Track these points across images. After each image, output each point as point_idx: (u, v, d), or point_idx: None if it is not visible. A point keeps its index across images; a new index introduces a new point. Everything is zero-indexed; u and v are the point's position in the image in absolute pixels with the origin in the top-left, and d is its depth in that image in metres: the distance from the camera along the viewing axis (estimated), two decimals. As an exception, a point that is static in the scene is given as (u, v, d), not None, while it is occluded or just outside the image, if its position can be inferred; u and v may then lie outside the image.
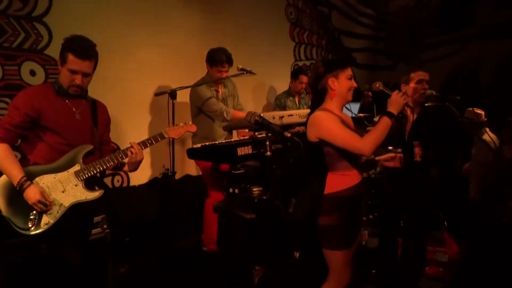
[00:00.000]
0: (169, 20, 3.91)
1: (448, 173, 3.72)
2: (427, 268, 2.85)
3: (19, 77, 2.94)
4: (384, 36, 6.46)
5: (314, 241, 2.02)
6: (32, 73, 3.00)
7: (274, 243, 2.75)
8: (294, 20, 5.47)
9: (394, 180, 2.64)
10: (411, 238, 2.76)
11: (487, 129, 3.64)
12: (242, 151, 2.76)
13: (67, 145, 2.01)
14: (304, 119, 2.14)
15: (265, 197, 2.66)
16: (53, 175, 1.97)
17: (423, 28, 6.05)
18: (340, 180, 1.96)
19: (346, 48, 6.26)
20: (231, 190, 2.86)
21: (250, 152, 2.80)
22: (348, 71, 2.01)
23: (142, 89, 3.68)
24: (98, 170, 2.03)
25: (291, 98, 4.41)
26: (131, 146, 2.11)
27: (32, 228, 1.91)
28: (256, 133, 3.10)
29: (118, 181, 3.57)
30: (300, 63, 5.47)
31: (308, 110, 2.20)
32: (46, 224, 1.92)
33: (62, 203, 1.96)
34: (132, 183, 3.67)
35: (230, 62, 3.36)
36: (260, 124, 2.11)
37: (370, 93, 4.58)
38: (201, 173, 3.64)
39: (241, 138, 3.28)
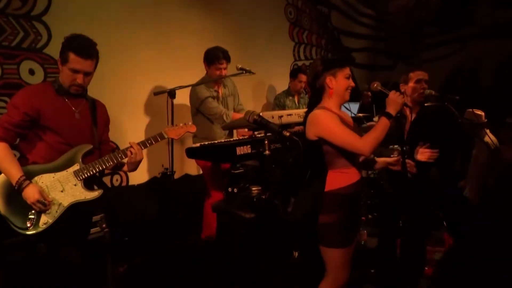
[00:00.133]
0: (168, 19, 3.90)
1: (447, 173, 3.72)
2: (426, 268, 2.85)
3: (18, 76, 2.94)
4: (384, 35, 6.46)
5: (313, 241, 2.02)
6: (31, 72, 3.00)
7: (273, 242, 2.75)
8: (293, 19, 5.46)
9: (394, 180, 2.64)
10: (410, 238, 2.76)
11: (487, 131, 3.64)
12: (241, 150, 2.76)
13: (67, 144, 2.01)
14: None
15: (264, 197, 2.66)
16: (52, 175, 1.97)
17: (423, 28, 6.05)
18: (340, 178, 1.96)
19: (346, 48, 6.26)
20: (230, 189, 2.86)
21: (249, 151, 2.80)
22: (346, 71, 2.00)
23: (141, 88, 3.69)
24: (97, 170, 2.03)
25: (290, 97, 4.41)
26: (131, 146, 2.11)
27: (31, 228, 1.90)
28: (256, 133, 3.10)
29: (117, 180, 3.56)
30: (300, 63, 5.47)
31: None
32: (44, 223, 1.92)
33: (61, 203, 1.95)
34: (131, 183, 3.67)
35: (227, 58, 3.35)
36: (258, 123, 2.11)
37: (369, 93, 4.57)
38: (200, 173, 3.64)
39: (241, 137, 3.27)
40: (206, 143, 2.93)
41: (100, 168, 2.03)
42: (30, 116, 1.92)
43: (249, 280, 2.65)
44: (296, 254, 2.83)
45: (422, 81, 2.67)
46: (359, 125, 3.68)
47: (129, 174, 3.57)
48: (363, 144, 1.88)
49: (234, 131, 3.65)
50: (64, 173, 1.98)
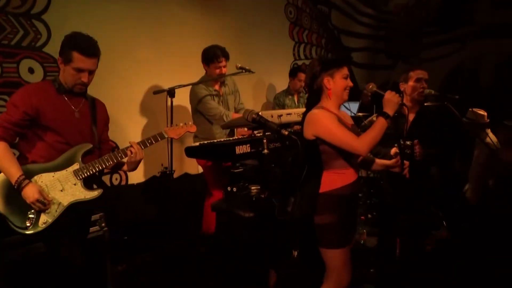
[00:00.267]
0: (168, 18, 3.90)
1: (447, 173, 3.72)
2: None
3: (18, 74, 2.93)
4: (384, 35, 6.45)
5: (311, 241, 2.02)
6: (31, 70, 3.00)
7: (273, 242, 2.75)
8: (293, 19, 5.46)
9: (394, 180, 2.64)
10: (410, 237, 2.76)
11: (489, 131, 3.63)
12: (240, 149, 2.75)
13: (66, 144, 2.00)
14: None
15: (263, 196, 2.66)
16: (51, 174, 1.96)
17: (423, 27, 6.04)
18: (336, 179, 1.96)
19: (346, 47, 6.26)
20: (229, 188, 2.86)
21: (249, 150, 2.79)
22: (344, 71, 1.99)
23: (141, 87, 3.69)
24: (97, 169, 2.02)
25: (290, 96, 4.41)
26: (131, 146, 2.10)
27: (30, 227, 1.90)
28: (255, 132, 3.10)
29: (116, 179, 3.56)
30: (300, 62, 5.47)
31: None
32: (44, 223, 1.91)
33: (60, 202, 1.95)
34: (130, 182, 3.67)
35: (226, 55, 3.34)
36: (257, 122, 2.11)
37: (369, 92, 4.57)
38: (199, 172, 3.64)
39: (240, 137, 3.27)
40: (206, 142, 2.92)
41: (100, 167, 2.03)
42: (30, 115, 1.92)
43: (249, 280, 2.65)
44: (295, 253, 2.82)
45: (422, 80, 2.66)
46: (358, 124, 3.68)
47: (129, 173, 3.57)
48: (360, 144, 1.88)
49: (235, 130, 3.64)
50: (63, 172, 1.98)
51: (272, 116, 2.89)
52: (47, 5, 3.06)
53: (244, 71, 3.29)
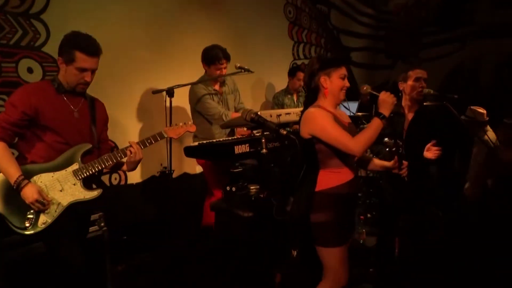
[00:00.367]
0: (167, 17, 3.90)
1: (447, 172, 3.72)
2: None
3: (17, 74, 2.93)
4: (384, 35, 6.45)
5: (309, 240, 2.02)
6: (30, 70, 2.99)
7: (272, 241, 2.75)
8: (293, 18, 5.46)
9: (393, 180, 2.63)
10: (409, 237, 2.76)
11: (489, 128, 3.63)
12: (239, 149, 2.75)
13: (66, 144, 2.00)
14: None
15: (262, 195, 2.66)
16: (51, 174, 1.96)
17: (422, 27, 6.04)
18: (332, 177, 1.96)
19: (345, 47, 6.26)
20: (228, 188, 2.86)
21: (248, 150, 2.79)
22: (342, 71, 1.99)
23: (140, 87, 3.68)
24: (96, 169, 2.02)
25: (289, 96, 4.41)
26: (130, 146, 2.10)
27: (30, 228, 1.89)
28: (254, 131, 3.09)
29: (115, 179, 3.56)
30: (299, 62, 5.47)
31: None
32: (43, 223, 1.91)
33: (60, 202, 1.95)
34: (129, 181, 3.66)
35: (227, 57, 3.33)
36: (255, 121, 2.11)
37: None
38: (198, 172, 3.63)
39: (239, 136, 3.27)
40: (204, 142, 2.92)
41: (100, 167, 2.03)
42: (29, 115, 1.91)
43: (248, 279, 2.65)
44: (294, 253, 2.82)
45: (421, 80, 2.66)
46: (358, 125, 3.68)
47: (128, 173, 3.57)
48: (355, 144, 1.88)
49: (235, 130, 3.64)
50: (63, 172, 1.97)
51: (271, 116, 2.89)
52: (46, 4, 3.05)
53: (243, 70, 3.28)
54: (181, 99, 3.46)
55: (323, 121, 1.91)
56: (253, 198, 2.70)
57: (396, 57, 6.29)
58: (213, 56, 3.28)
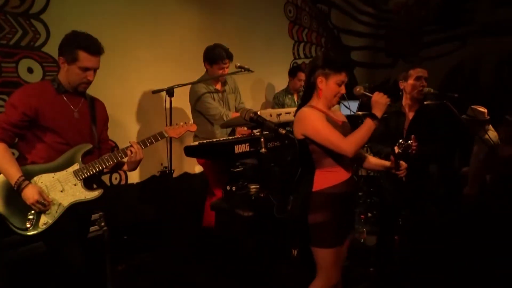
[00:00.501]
0: (167, 17, 3.89)
1: (447, 171, 3.72)
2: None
3: (17, 74, 2.93)
4: (384, 34, 6.44)
5: (305, 238, 2.01)
6: (30, 70, 2.99)
7: (272, 240, 2.75)
8: (293, 18, 5.45)
9: (393, 179, 2.63)
10: (409, 236, 2.76)
11: (490, 127, 3.63)
12: (239, 148, 2.76)
13: (66, 144, 2.00)
14: None
15: (262, 195, 2.66)
16: (51, 174, 1.96)
17: (422, 26, 6.03)
18: (327, 177, 1.95)
19: (346, 46, 6.25)
20: (228, 187, 2.86)
21: (248, 149, 2.79)
22: (340, 77, 1.95)
23: (140, 87, 3.68)
24: (97, 169, 2.02)
25: (290, 96, 4.40)
26: (131, 145, 2.09)
27: (30, 228, 1.89)
28: (255, 131, 3.09)
29: (116, 179, 3.56)
30: (299, 61, 5.46)
31: None
32: (44, 224, 1.91)
33: (61, 203, 1.95)
34: (130, 181, 3.66)
35: (230, 57, 3.31)
36: (254, 121, 2.10)
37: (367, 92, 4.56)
38: (199, 171, 3.63)
39: (240, 136, 3.27)
40: (205, 141, 2.92)
41: (100, 167, 2.03)
42: (29, 116, 1.90)
43: (249, 279, 2.65)
44: (295, 252, 2.82)
45: (421, 79, 2.66)
46: (358, 124, 3.66)
47: (128, 172, 3.57)
48: (347, 144, 1.87)
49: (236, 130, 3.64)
50: (63, 173, 1.97)
51: (271, 115, 2.89)
52: (45, 5, 3.05)
53: (243, 70, 3.28)
54: (181, 99, 3.46)
55: (315, 121, 1.90)
56: (253, 198, 2.70)
57: (397, 56, 6.28)
58: (216, 55, 3.27)
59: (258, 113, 2.17)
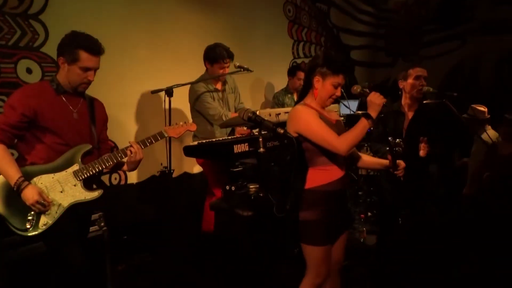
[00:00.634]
0: (166, 16, 3.89)
1: (447, 170, 3.71)
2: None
3: (16, 75, 2.93)
4: (384, 33, 6.43)
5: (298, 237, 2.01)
6: (29, 71, 2.99)
7: (273, 240, 2.75)
8: (292, 17, 5.45)
9: (393, 178, 2.63)
10: (409, 235, 2.76)
11: (489, 127, 3.63)
12: (238, 148, 2.75)
13: (65, 145, 1.99)
14: None
15: (261, 194, 2.65)
16: (51, 175, 1.95)
17: (422, 25, 6.02)
18: (320, 175, 1.94)
19: (345, 45, 6.24)
20: (227, 187, 2.85)
21: (247, 149, 2.79)
22: (337, 79, 1.95)
23: (139, 87, 3.67)
24: (97, 170, 2.02)
25: (289, 95, 4.40)
26: (130, 146, 2.09)
27: (30, 229, 1.89)
28: (254, 131, 3.09)
29: (115, 179, 3.56)
30: (299, 61, 5.46)
31: None
32: (44, 224, 1.91)
33: (60, 204, 1.94)
34: (129, 181, 3.66)
35: (231, 56, 3.31)
36: (253, 120, 2.10)
37: (367, 90, 4.56)
38: (198, 171, 3.63)
39: (239, 135, 3.26)
40: (204, 141, 2.92)
41: (100, 168, 2.02)
42: (28, 117, 1.90)
43: (249, 279, 2.65)
44: (296, 251, 2.82)
45: (421, 78, 2.66)
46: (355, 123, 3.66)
47: (128, 172, 3.57)
48: (340, 142, 1.86)
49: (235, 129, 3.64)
50: (63, 173, 1.97)
51: (270, 115, 2.88)
52: (44, 5, 3.05)
53: (242, 70, 3.28)
54: (181, 98, 3.46)
55: (308, 119, 1.90)
56: (252, 197, 2.70)
57: (397, 55, 6.27)
58: (217, 55, 3.26)
59: (257, 112, 2.17)
